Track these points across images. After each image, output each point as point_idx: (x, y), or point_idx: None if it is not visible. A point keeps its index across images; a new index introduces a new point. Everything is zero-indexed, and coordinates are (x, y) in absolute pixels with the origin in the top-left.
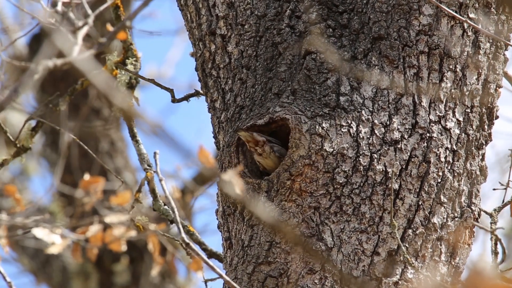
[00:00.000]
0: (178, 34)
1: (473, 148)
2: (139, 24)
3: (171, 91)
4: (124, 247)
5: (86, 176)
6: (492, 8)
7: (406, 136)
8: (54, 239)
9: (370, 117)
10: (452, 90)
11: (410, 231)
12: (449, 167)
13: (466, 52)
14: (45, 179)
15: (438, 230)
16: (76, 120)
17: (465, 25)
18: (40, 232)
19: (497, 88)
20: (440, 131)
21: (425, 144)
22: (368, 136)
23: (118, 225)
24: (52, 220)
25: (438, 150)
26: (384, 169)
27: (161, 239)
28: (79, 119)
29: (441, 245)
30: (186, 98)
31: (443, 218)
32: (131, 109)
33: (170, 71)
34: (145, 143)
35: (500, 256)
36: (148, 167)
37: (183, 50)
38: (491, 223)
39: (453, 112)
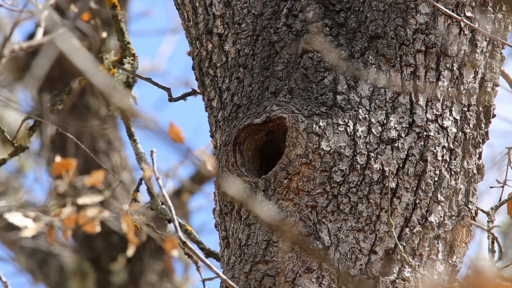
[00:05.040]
0: (171, 31)
1: (470, 146)
2: (136, 22)
3: (168, 90)
4: (98, 228)
5: (58, 158)
6: (489, 6)
7: (403, 135)
8: (27, 223)
9: (367, 115)
10: (449, 89)
11: (407, 229)
12: (446, 166)
13: (463, 51)
14: (43, 179)
15: (435, 228)
16: (60, 113)
17: (462, 23)
18: (13, 217)
19: (494, 87)
20: (437, 130)
21: (422, 142)
22: (365, 135)
23: (92, 206)
24: (26, 205)
25: (435, 148)
26: (381, 168)
27: (158, 239)
28: (65, 111)
29: (438, 243)
30: (183, 97)
31: (440, 216)
32: (130, 108)
33: (163, 65)
34: (143, 142)
35: (496, 255)
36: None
37: (175, 45)
38: (488, 221)
39: (450, 111)
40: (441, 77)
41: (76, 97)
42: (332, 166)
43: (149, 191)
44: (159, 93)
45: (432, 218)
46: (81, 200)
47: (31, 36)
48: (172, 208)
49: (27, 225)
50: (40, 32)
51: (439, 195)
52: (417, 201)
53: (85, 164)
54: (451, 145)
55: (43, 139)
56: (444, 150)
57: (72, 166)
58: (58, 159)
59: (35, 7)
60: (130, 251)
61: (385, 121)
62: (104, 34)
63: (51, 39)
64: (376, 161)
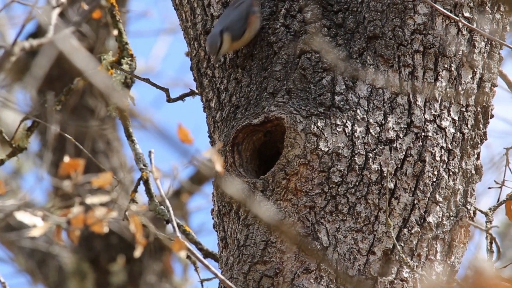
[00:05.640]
0: (165, 31)
1: (468, 147)
2: (134, 23)
3: (166, 90)
4: (106, 229)
5: (66, 159)
6: (487, 7)
7: (401, 135)
8: (36, 222)
9: (365, 116)
10: (447, 89)
11: (405, 230)
12: (444, 166)
13: (461, 51)
14: (44, 179)
15: (434, 229)
16: (63, 113)
17: (460, 24)
18: (21, 216)
19: (492, 87)
20: (435, 130)
21: (420, 143)
22: (363, 135)
23: (100, 206)
24: (29, 205)
25: (433, 149)
26: (379, 168)
27: (158, 239)
28: (66, 112)
29: (436, 244)
30: (181, 97)
31: (439, 217)
32: (128, 109)
33: (157, 66)
34: (141, 142)
35: (495, 255)
36: (144, 167)
37: (169, 45)
38: (486, 222)
39: (448, 111)
40: (439, 77)
41: (77, 98)
42: (331, 167)
43: (148, 192)
44: (156, 93)
45: (430, 219)
46: (89, 200)
47: (31, 36)
48: (170, 209)
49: (36, 224)
50: (50, 29)
51: (437, 196)
52: (415, 202)
53: (84, 164)
54: (449, 146)
55: (47, 139)
56: (442, 151)
57: (80, 166)
58: (66, 159)
59: (46, 4)
60: (138, 252)
61: (383, 122)
62: (115, 32)
63: (60, 38)
64: (374, 161)
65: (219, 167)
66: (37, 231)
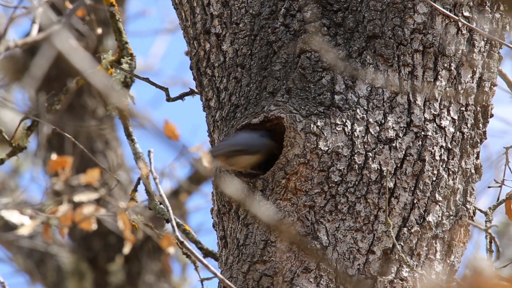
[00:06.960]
0: (164, 31)
1: (468, 146)
2: (133, 22)
3: (166, 90)
4: (94, 226)
5: (53, 156)
6: (486, 6)
7: (401, 135)
8: (23, 220)
9: (365, 115)
10: (447, 89)
11: (405, 229)
12: (444, 166)
13: (460, 51)
14: (39, 178)
15: (433, 228)
16: (61, 113)
17: (460, 23)
18: (9, 215)
19: (492, 87)
20: (435, 130)
21: (420, 142)
22: (363, 135)
23: (88, 203)
24: (23, 204)
25: (433, 148)
26: (379, 168)
27: (156, 239)
28: (64, 112)
29: (436, 243)
30: (181, 97)
31: (438, 216)
32: (127, 108)
33: (156, 65)
34: (141, 141)
35: (494, 254)
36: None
37: (168, 44)
38: (486, 221)
39: (448, 111)
40: (439, 76)
41: (73, 97)
42: (330, 166)
43: (147, 191)
44: (155, 92)
45: (430, 218)
46: (77, 198)
47: (27, 35)
48: (170, 208)
49: (24, 223)
50: (35, 29)
51: (437, 195)
52: (415, 201)
53: (82, 164)
54: (449, 145)
55: (40, 138)
56: (442, 150)
57: (68, 163)
58: (54, 156)
59: (31, 4)
60: (127, 249)
61: (383, 121)
62: (99, 30)
63: (47, 36)
64: (374, 161)
65: (206, 163)
66: (25, 230)
